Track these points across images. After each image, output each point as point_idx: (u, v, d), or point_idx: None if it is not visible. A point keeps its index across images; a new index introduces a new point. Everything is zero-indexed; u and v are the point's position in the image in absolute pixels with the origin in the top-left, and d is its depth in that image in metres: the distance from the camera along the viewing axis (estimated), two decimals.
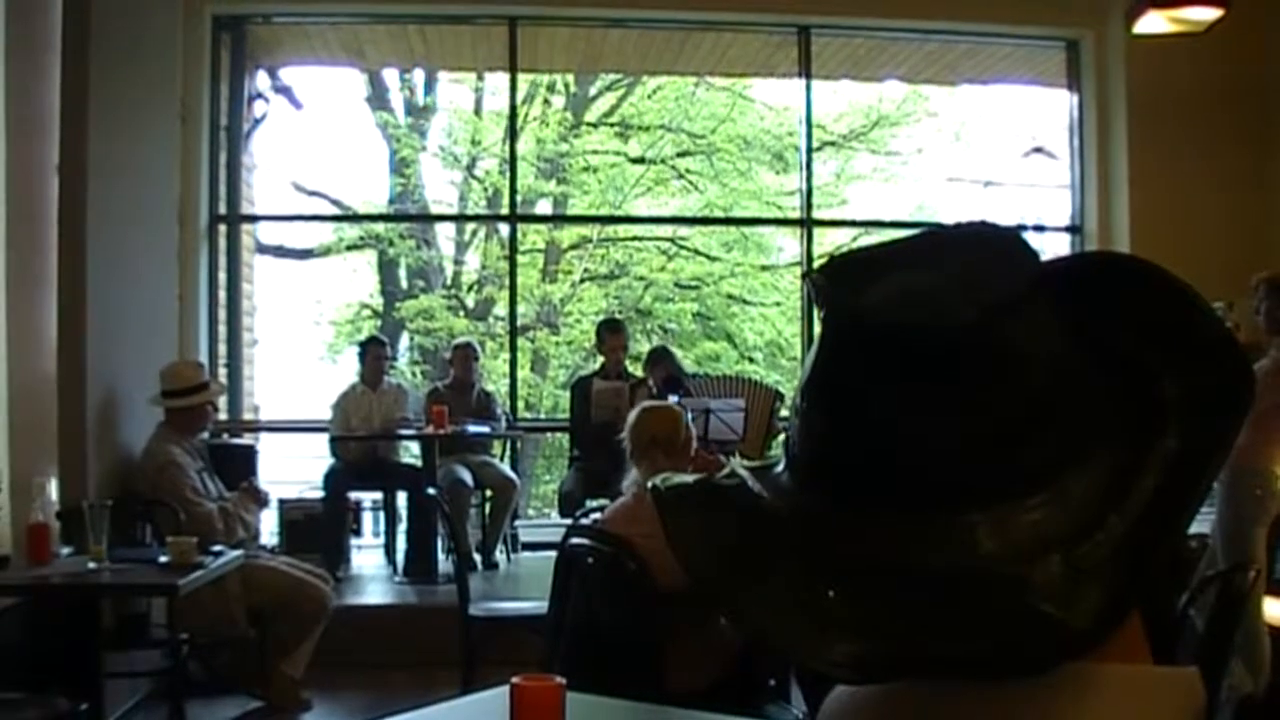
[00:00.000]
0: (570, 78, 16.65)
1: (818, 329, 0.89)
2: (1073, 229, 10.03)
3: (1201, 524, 5.84)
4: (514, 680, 2.15)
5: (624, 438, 4.42)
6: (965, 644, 0.77)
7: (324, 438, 8.84)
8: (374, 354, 8.91)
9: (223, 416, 8.71)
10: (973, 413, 0.80)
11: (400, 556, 8.55)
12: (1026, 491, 0.79)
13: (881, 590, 0.79)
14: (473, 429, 8.53)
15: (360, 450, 8.64)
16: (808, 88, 10.26)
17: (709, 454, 4.62)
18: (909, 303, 0.83)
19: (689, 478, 0.94)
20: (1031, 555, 0.78)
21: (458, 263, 17.82)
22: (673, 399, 6.82)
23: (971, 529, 0.79)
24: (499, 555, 8.67)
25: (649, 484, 0.91)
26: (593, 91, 17.59)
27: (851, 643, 0.79)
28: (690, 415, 4.74)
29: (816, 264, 0.89)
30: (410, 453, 9.55)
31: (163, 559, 5.30)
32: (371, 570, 8.75)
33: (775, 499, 0.88)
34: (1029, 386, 0.80)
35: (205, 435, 7.05)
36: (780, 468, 0.90)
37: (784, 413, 8.55)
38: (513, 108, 11.22)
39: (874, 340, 0.83)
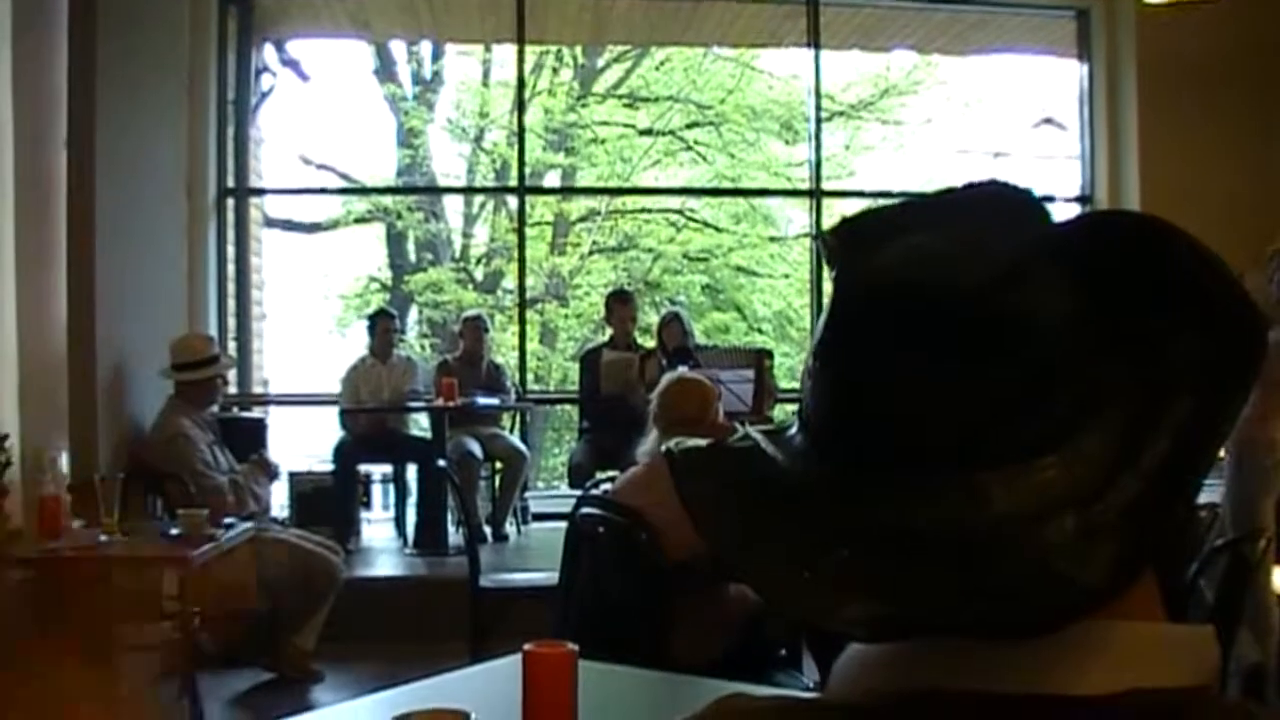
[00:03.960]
0: (578, 49, 16.59)
1: (829, 292, 0.89)
2: (1082, 199, 10.02)
3: (1211, 494, 5.83)
4: (526, 647, 2.16)
5: (651, 399, 4.42)
6: (978, 603, 0.77)
7: (333, 411, 8.86)
8: (383, 327, 8.92)
9: (232, 390, 8.72)
10: (985, 374, 0.80)
11: (410, 529, 8.57)
12: (1039, 451, 0.79)
13: (894, 550, 0.80)
14: (482, 401, 8.53)
15: (370, 423, 8.65)
16: (816, 58, 10.22)
17: (727, 424, 4.61)
18: (922, 264, 0.83)
19: (702, 442, 0.94)
20: (1044, 514, 0.78)
21: (466, 235, 17.82)
22: (682, 369, 6.80)
23: (984, 489, 0.79)
24: (509, 527, 8.69)
25: (663, 448, 0.92)
26: (601, 63, 17.54)
27: (865, 603, 0.79)
28: None
29: (828, 226, 0.89)
30: (420, 425, 9.57)
31: (174, 531, 5.32)
32: (382, 542, 8.77)
33: (789, 461, 0.88)
34: (1042, 347, 0.80)
35: (215, 408, 7.06)
36: (794, 430, 0.90)
37: (777, 371, 8.57)
38: (520, 79, 11.20)
39: (886, 301, 0.83)
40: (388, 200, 16.85)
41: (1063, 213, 0.90)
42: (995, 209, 0.89)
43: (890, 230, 0.87)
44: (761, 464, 0.89)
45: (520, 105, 11.39)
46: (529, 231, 13.87)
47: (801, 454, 0.88)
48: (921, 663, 0.82)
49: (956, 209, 0.90)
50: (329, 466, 8.55)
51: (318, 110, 15.82)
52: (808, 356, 0.89)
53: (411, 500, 8.91)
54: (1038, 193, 0.91)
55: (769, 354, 8.92)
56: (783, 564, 0.83)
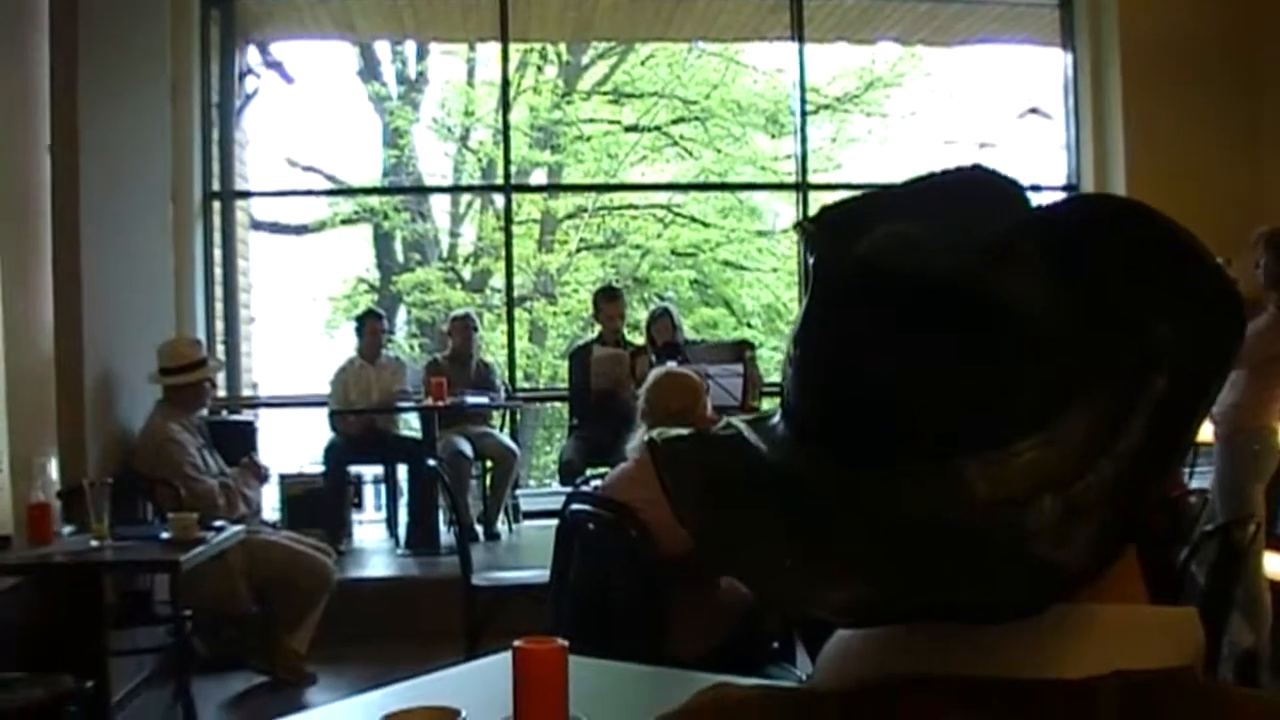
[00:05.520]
0: (562, 46, 16.58)
1: (809, 279, 0.89)
2: (1069, 188, 10.02)
3: (1201, 479, 5.85)
4: (516, 643, 2.16)
5: (639, 395, 4.42)
6: (959, 587, 0.77)
7: (323, 412, 8.85)
8: (371, 328, 8.91)
9: (221, 393, 8.71)
10: (965, 359, 0.80)
11: (402, 529, 8.57)
12: (1018, 435, 0.79)
13: (876, 537, 0.80)
14: (472, 400, 8.53)
15: (360, 424, 8.64)
16: (801, 51, 10.21)
17: (714, 418, 4.61)
18: (902, 250, 0.83)
19: (685, 431, 0.94)
20: (1023, 498, 0.78)
21: (453, 235, 17.81)
22: (670, 364, 6.81)
23: (962, 474, 0.79)
24: (500, 525, 8.68)
25: (646, 439, 0.92)
26: (585, 60, 17.54)
27: (848, 589, 0.79)
28: None
29: (808, 214, 0.91)
30: (410, 425, 9.56)
31: (164, 535, 5.31)
32: (373, 543, 8.77)
33: (771, 450, 0.88)
34: (1022, 331, 0.80)
35: (204, 412, 7.05)
36: (776, 419, 0.90)
37: (766, 364, 8.58)
38: (505, 77, 11.18)
39: (866, 288, 0.83)
40: (374, 201, 16.84)
41: (1050, 201, 0.90)
42: (976, 194, 0.89)
43: (871, 217, 0.87)
44: (744, 453, 0.89)
45: (505, 103, 11.38)
46: (516, 230, 13.82)
47: (783, 442, 0.88)
48: (905, 648, 0.82)
49: (937, 195, 0.90)
50: (319, 468, 8.54)
51: (303, 112, 15.80)
52: (787, 344, 0.89)
53: (403, 501, 8.90)
54: (1021, 180, 0.91)
55: (750, 345, 8.94)
56: (765, 552, 0.83)
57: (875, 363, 0.82)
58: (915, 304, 0.82)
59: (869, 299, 0.83)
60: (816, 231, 0.88)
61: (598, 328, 9.16)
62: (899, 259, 0.83)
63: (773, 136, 17.06)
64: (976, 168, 0.91)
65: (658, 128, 17.48)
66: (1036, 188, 10.31)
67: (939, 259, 0.82)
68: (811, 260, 0.87)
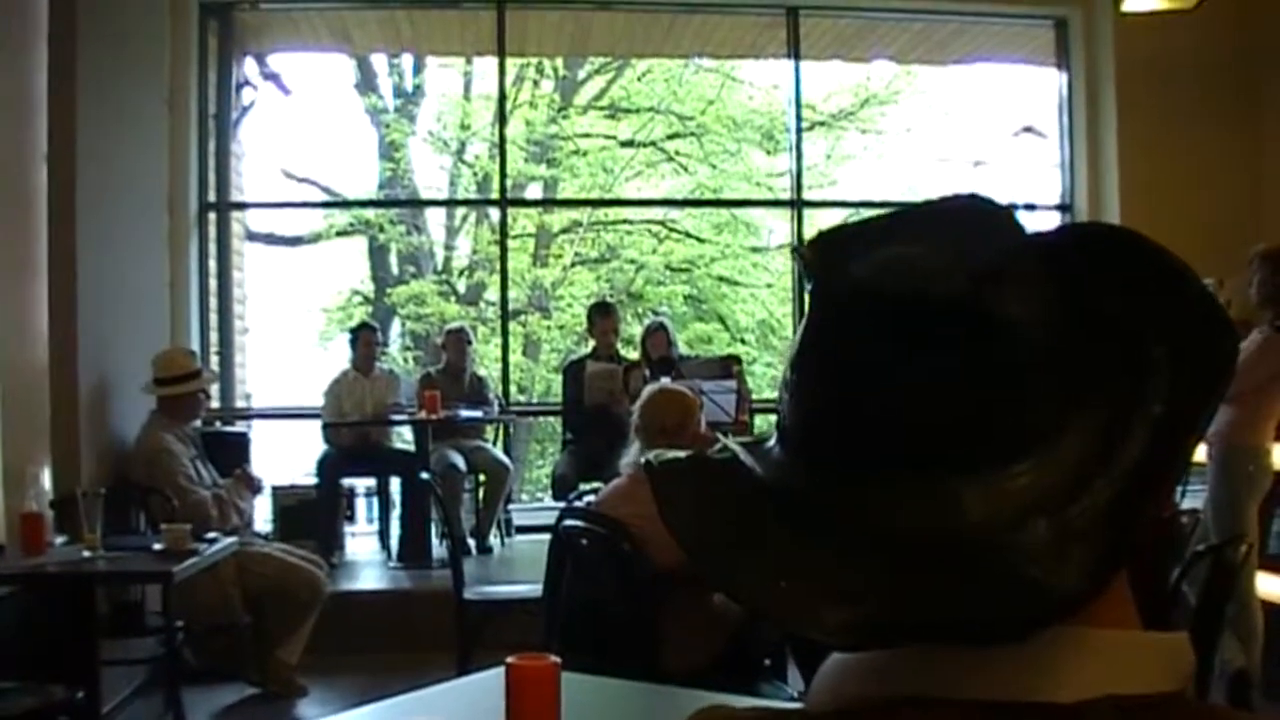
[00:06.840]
0: (559, 61, 16.60)
1: (807, 304, 0.89)
2: (1063, 207, 10.04)
3: (1194, 499, 5.85)
4: (509, 660, 2.16)
5: (633, 411, 4.42)
6: (954, 609, 0.78)
7: (317, 424, 8.84)
8: (365, 340, 8.90)
9: (215, 404, 8.70)
10: (961, 380, 0.81)
11: (394, 542, 8.55)
12: (1013, 457, 0.80)
13: (871, 558, 0.80)
14: (465, 414, 8.53)
15: (353, 436, 8.64)
16: (796, 68, 10.25)
17: (708, 434, 4.62)
18: (898, 273, 0.84)
19: (682, 453, 0.94)
20: (1018, 520, 0.79)
21: (448, 248, 17.81)
22: (664, 380, 6.81)
23: (958, 496, 0.80)
24: (493, 539, 8.68)
25: (643, 460, 0.92)
26: (582, 74, 17.56)
27: (844, 610, 0.80)
28: None
29: (805, 240, 0.91)
30: (403, 438, 9.55)
31: (157, 546, 5.30)
32: (366, 556, 8.75)
33: (767, 472, 0.88)
34: (1017, 353, 0.81)
35: (198, 423, 7.04)
36: (772, 442, 0.91)
37: (760, 380, 8.58)
38: (501, 91, 11.21)
39: (863, 311, 0.84)
40: (370, 213, 16.83)
41: (1044, 221, 0.91)
42: (970, 219, 0.89)
43: (867, 242, 0.88)
44: (740, 475, 0.89)
45: (501, 117, 11.42)
46: (511, 243, 13.88)
47: (779, 464, 0.88)
48: (900, 670, 0.83)
49: (932, 220, 0.91)
50: (312, 480, 8.53)
51: (299, 124, 15.80)
52: (784, 369, 0.89)
53: (395, 513, 8.89)
54: (1016, 203, 0.91)
55: (739, 360, 8.95)
56: (762, 573, 0.83)
57: (871, 385, 0.83)
58: (915, 326, 0.82)
59: (869, 322, 0.84)
60: (813, 257, 0.89)
61: (591, 342, 9.16)
62: (898, 281, 0.84)
63: (768, 153, 17.08)
64: (970, 195, 0.92)
65: (653, 143, 17.50)
66: (1031, 206, 10.33)
67: (938, 281, 0.82)
68: (809, 285, 0.88)
